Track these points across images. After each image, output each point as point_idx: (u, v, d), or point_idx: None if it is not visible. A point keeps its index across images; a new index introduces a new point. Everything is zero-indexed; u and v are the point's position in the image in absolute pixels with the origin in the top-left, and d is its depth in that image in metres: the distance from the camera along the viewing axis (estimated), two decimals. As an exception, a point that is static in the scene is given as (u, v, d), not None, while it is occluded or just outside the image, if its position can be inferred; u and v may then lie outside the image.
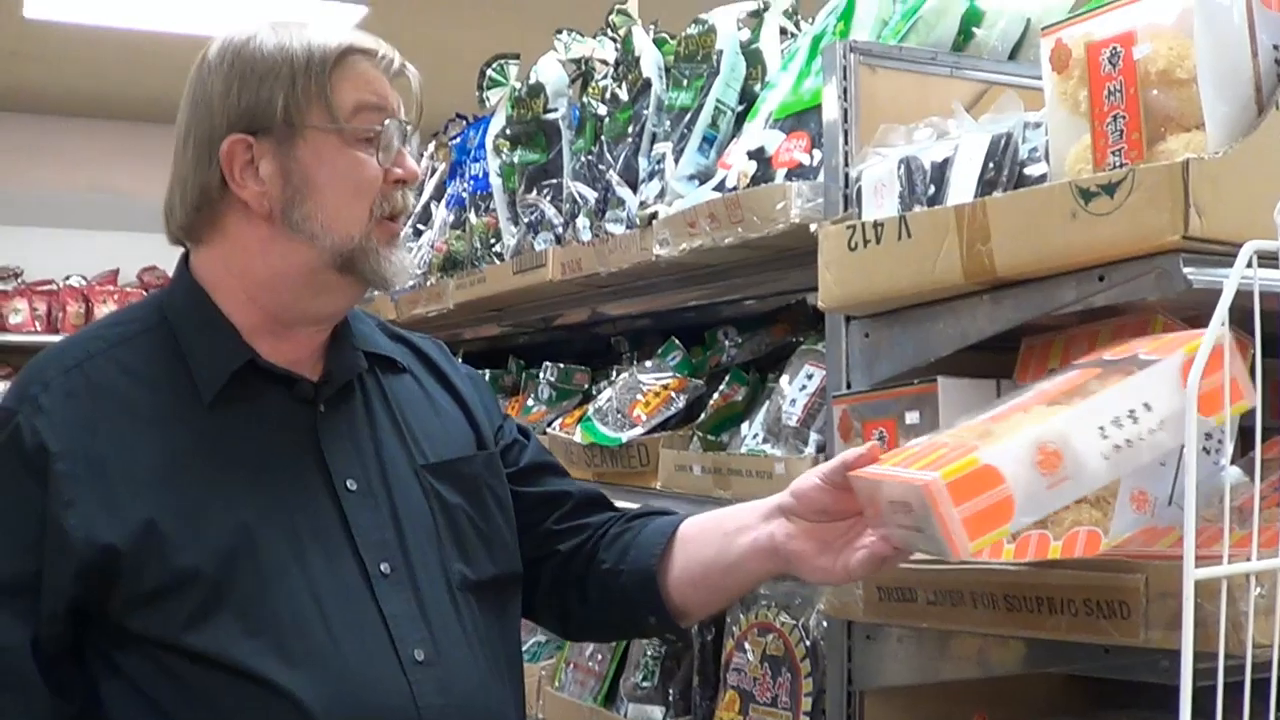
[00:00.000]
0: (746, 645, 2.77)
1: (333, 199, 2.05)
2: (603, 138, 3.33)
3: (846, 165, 2.41)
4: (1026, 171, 2.10)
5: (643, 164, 3.12)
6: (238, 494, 2.02)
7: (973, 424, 1.76)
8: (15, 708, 1.96)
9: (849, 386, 2.35)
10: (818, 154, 2.54)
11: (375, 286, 2.13)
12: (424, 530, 2.13)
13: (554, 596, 2.34)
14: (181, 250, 2.19)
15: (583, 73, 3.65)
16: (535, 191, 3.57)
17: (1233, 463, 1.85)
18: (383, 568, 2.06)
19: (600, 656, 3.27)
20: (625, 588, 2.24)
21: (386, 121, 2.07)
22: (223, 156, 2.03)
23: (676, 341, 3.31)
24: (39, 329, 10.77)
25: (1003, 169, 2.11)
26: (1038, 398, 1.74)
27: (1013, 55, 2.68)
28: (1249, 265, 1.58)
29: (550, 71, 3.70)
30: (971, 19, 2.66)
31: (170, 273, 2.21)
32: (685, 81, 3.06)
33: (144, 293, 10.18)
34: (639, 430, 3.10)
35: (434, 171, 4.89)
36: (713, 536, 2.17)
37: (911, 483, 1.65)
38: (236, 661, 1.94)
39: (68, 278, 10.89)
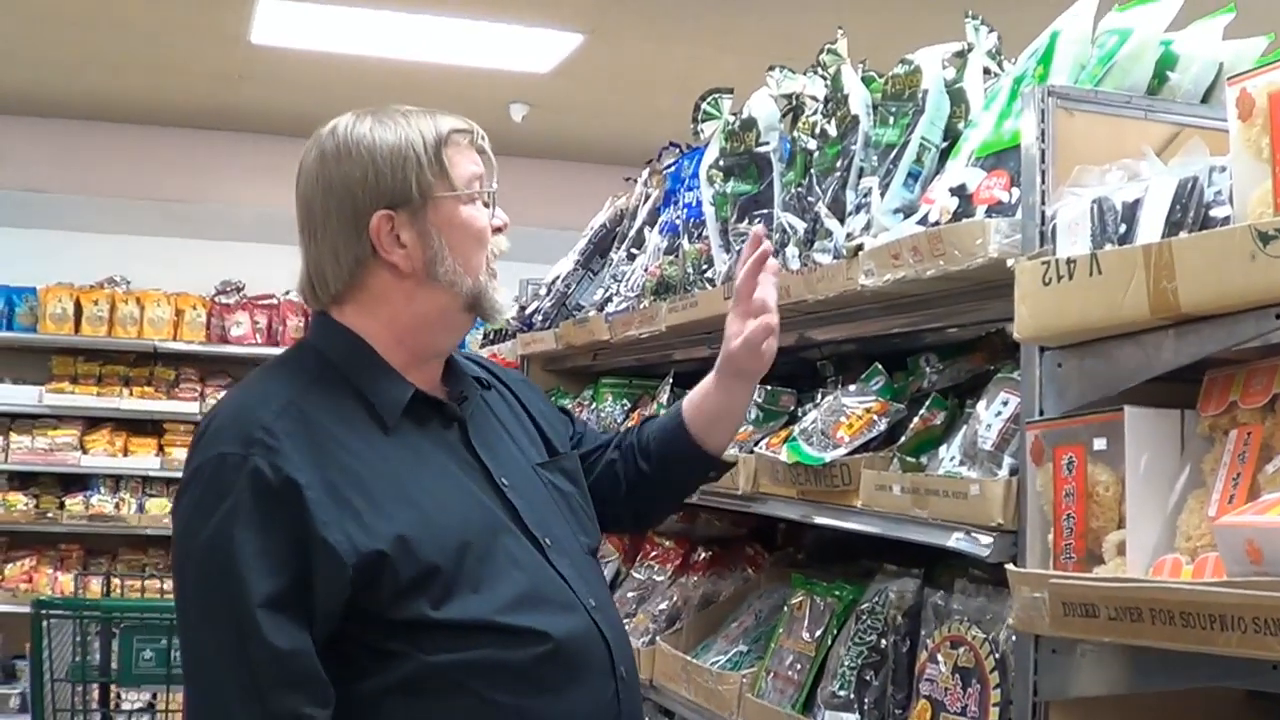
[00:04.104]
0: (939, 657, 2.87)
1: (464, 251, 2.58)
2: (812, 171, 3.43)
3: (1043, 204, 2.49)
4: (1212, 214, 2.17)
5: (850, 197, 3.22)
6: (446, 499, 2.45)
7: None
8: (312, 701, 2.29)
9: (1041, 413, 2.45)
10: (1016, 192, 2.63)
11: (490, 317, 2.61)
12: (555, 512, 2.70)
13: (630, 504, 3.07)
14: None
15: (793, 108, 3.74)
16: (746, 221, 3.68)
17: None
18: (546, 541, 2.53)
19: (799, 666, 3.37)
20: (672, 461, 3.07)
21: (494, 183, 2.64)
22: (372, 231, 2.47)
23: (880, 367, 3.39)
24: (259, 341, 11.15)
25: (1189, 211, 2.19)
26: None
27: (1205, 98, 2.74)
28: None
29: (762, 107, 3.81)
30: (1166, 63, 2.73)
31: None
32: (892, 119, 3.16)
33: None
34: (842, 451, 3.18)
35: (647, 198, 5.00)
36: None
37: None
38: (480, 618, 2.38)
39: (287, 292, 11.22)
